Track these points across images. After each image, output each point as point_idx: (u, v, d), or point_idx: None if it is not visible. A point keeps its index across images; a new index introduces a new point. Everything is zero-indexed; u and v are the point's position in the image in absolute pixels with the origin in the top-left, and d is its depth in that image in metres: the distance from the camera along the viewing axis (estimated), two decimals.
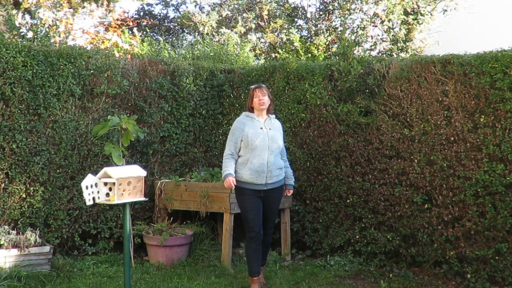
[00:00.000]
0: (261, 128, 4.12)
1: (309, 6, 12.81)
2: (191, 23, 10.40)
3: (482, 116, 4.29)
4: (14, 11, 9.15)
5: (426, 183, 4.58)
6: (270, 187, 4.13)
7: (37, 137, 4.96)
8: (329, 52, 9.35)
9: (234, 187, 4.08)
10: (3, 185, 4.80)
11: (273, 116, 4.32)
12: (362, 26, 9.38)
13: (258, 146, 4.04)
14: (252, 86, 4.23)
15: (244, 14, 10.16)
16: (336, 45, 9.33)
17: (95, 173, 4.06)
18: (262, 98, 4.15)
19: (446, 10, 9.47)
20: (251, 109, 4.22)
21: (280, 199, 4.34)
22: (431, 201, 4.61)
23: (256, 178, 4.05)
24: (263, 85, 4.24)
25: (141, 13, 14.67)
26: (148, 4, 14.66)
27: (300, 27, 10.35)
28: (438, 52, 4.81)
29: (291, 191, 4.42)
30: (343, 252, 5.18)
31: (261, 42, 10.43)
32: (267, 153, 4.07)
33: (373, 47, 9.56)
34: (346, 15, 9.54)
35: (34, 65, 4.88)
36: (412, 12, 9.16)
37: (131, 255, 4.92)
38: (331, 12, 10.01)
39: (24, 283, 4.28)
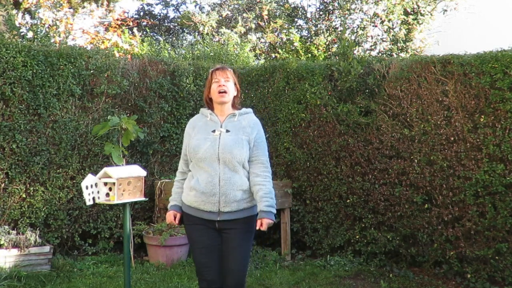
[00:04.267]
0: (214, 131, 2.80)
1: (309, 6, 12.83)
2: (191, 23, 10.40)
3: (482, 116, 4.29)
4: (14, 11, 9.15)
5: (426, 183, 4.58)
6: (226, 217, 2.74)
7: (37, 137, 4.96)
8: (329, 52, 9.34)
9: (176, 223, 2.91)
10: (3, 185, 4.80)
11: (245, 111, 2.93)
12: (362, 26, 9.37)
13: (202, 159, 2.73)
14: (212, 68, 2.93)
15: (244, 14, 10.16)
16: (336, 45, 9.32)
17: (95, 173, 4.06)
18: (223, 84, 2.81)
19: (446, 10, 9.47)
20: (210, 103, 2.92)
21: (249, 239, 2.83)
22: (431, 201, 4.61)
23: (202, 202, 2.73)
24: (228, 67, 2.93)
25: (141, 13, 14.67)
26: (148, 4, 14.67)
27: (300, 27, 10.34)
28: (438, 52, 4.82)
29: (267, 222, 2.70)
30: (343, 252, 5.18)
31: (261, 42, 10.43)
32: (219, 167, 2.72)
33: (373, 47, 9.56)
34: (346, 15, 9.54)
35: (34, 65, 4.88)
36: (412, 12, 9.15)
37: (131, 255, 4.92)
38: (331, 12, 10.00)
39: (24, 283, 4.28)
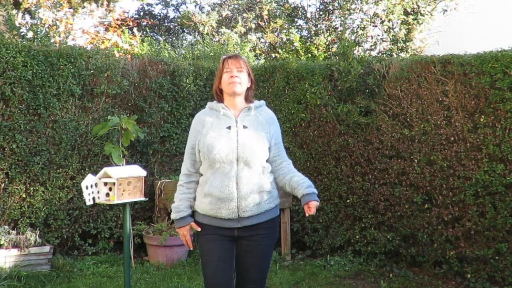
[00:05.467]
0: (229, 127, 2.48)
1: (309, 6, 12.82)
2: (191, 23, 10.40)
3: (482, 116, 4.29)
4: (14, 11, 9.16)
5: (426, 183, 4.58)
6: (247, 223, 2.44)
7: (37, 137, 4.96)
8: (329, 52, 9.34)
9: (192, 246, 2.56)
10: (3, 185, 4.80)
11: (258, 104, 2.61)
12: (362, 26, 9.37)
13: (218, 159, 2.41)
14: (224, 56, 2.61)
15: (244, 14, 10.16)
16: (336, 45, 9.32)
17: (95, 173, 4.06)
18: (236, 75, 2.50)
19: (446, 10, 9.46)
20: (220, 95, 2.60)
21: (272, 245, 2.58)
22: (431, 201, 4.61)
23: (218, 209, 2.41)
24: (241, 56, 2.60)
25: (141, 13, 14.67)
26: (148, 4, 14.66)
27: (300, 27, 10.34)
28: (438, 52, 4.82)
29: (315, 205, 2.42)
30: (343, 252, 5.18)
31: (261, 42, 10.43)
32: (237, 167, 2.42)
33: (373, 47, 9.55)
34: (346, 15, 9.54)
35: (34, 65, 4.88)
36: (412, 12, 9.15)
37: (131, 255, 4.92)
38: (331, 12, 10.00)
39: (24, 283, 4.29)
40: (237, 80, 2.49)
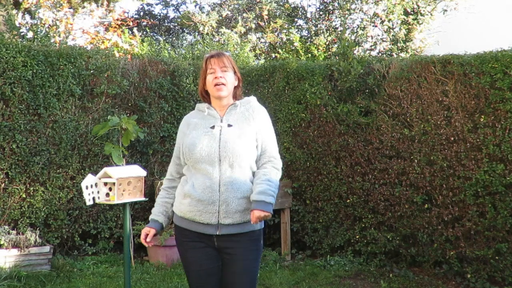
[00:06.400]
0: (213, 126, 2.32)
1: (309, 6, 12.80)
2: (191, 23, 10.40)
3: (482, 116, 4.29)
4: (14, 11, 9.16)
5: (426, 183, 4.58)
6: (227, 231, 2.24)
7: (37, 137, 4.96)
8: (329, 52, 9.34)
9: (147, 244, 2.40)
10: (3, 185, 4.80)
11: (247, 100, 2.46)
12: (362, 26, 9.37)
13: (199, 159, 2.25)
14: (206, 55, 2.42)
15: (244, 14, 10.16)
16: (336, 45, 9.32)
17: (95, 173, 4.06)
18: (220, 75, 2.34)
19: (446, 10, 9.46)
20: (206, 96, 2.45)
21: (257, 259, 2.32)
22: (431, 201, 4.61)
23: (199, 212, 2.23)
24: (225, 53, 2.41)
25: (141, 13, 14.67)
26: (148, 4, 14.66)
27: (300, 27, 10.34)
28: (438, 52, 4.82)
29: (256, 216, 2.17)
30: (343, 252, 5.18)
31: (261, 42, 10.43)
32: (219, 168, 2.24)
33: (373, 47, 9.55)
34: (346, 15, 9.54)
35: (34, 65, 4.88)
36: (412, 12, 9.15)
37: (131, 255, 4.92)
38: (331, 12, 10.00)
39: (24, 283, 4.29)
40: (222, 81, 2.33)
